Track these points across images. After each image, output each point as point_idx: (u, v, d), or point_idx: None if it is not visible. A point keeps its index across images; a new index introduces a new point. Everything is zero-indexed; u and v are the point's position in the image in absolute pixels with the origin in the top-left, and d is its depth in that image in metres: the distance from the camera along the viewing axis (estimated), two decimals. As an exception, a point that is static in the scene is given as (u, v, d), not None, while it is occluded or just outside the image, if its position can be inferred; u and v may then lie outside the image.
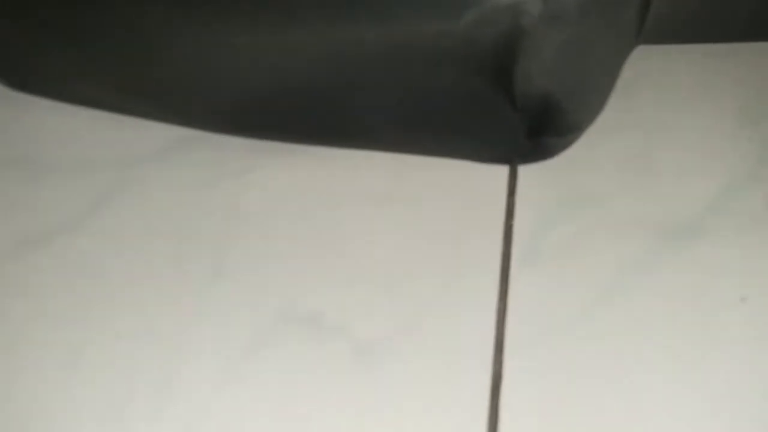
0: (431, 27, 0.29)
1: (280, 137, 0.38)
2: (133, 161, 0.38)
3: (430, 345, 0.33)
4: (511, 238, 0.35)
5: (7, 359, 0.33)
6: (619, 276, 0.34)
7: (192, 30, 0.30)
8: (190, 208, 0.37)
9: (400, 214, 0.36)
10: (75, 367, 0.33)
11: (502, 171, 0.38)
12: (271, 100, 0.35)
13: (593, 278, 0.34)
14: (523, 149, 0.36)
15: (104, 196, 0.37)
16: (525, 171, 0.38)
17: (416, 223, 0.36)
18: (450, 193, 0.37)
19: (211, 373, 0.32)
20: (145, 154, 0.39)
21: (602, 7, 0.28)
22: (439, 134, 0.36)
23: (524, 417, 0.31)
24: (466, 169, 0.37)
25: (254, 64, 0.32)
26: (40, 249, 0.36)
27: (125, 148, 0.39)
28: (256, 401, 0.32)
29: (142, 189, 0.37)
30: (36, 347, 0.33)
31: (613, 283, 0.34)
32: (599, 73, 0.33)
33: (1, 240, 0.36)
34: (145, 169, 0.38)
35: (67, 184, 0.38)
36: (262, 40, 0.30)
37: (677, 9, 0.34)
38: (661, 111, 0.39)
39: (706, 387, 0.31)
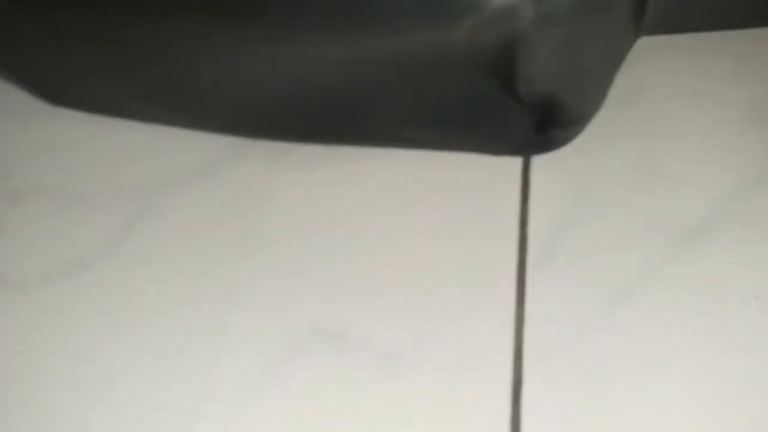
0: (431, 34, 0.30)
1: (299, 138, 0.40)
2: (159, 186, 0.40)
3: (451, 354, 0.34)
4: (526, 245, 0.36)
5: (43, 380, 0.34)
6: (633, 278, 0.35)
7: (211, 43, 0.32)
8: (214, 228, 0.38)
9: (416, 222, 0.37)
10: (109, 388, 0.34)
11: (514, 179, 0.39)
12: (287, 104, 0.37)
13: (608, 281, 0.35)
14: (532, 141, 0.38)
15: (132, 221, 0.39)
16: (537, 179, 0.38)
17: (432, 232, 0.37)
18: (464, 201, 0.38)
19: (239, 388, 0.34)
20: (170, 179, 0.40)
21: (594, 6, 0.29)
22: (450, 129, 0.37)
23: (546, 422, 0.32)
24: (480, 178, 0.38)
25: (266, 72, 0.34)
26: (71, 276, 0.37)
27: (151, 173, 0.40)
28: (283, 416, 0.33)
29: (169, 213, 0.39)
30: (70, 370, 0.34)
31: (627, 285, 0.35)
32: (599, 66, 0.34)
33: (33, 268, 0.38)
34: (171, 194, 0.39)
35: (97, 210, 0.39)
36: (271, 51, 0.32)
37: (674, 1, 0.34)
38: (666, 114, 0.40)
39: (725, 384, 0.32)
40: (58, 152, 0.41)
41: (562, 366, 0.33)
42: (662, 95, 0.41)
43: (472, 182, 0.38)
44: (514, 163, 0.39)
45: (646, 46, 0.41)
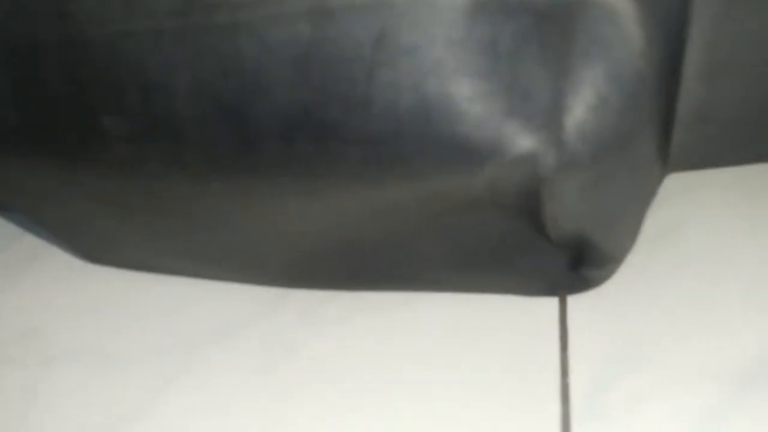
0: (456, 181, 0.30)
1: (334, 286, 0.39)
2: (192, 344, 0.39)
3: None
4: (569, 398, 0.34)
5: None
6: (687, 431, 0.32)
7: (249, 203, 0.33)
8: (248, 388, 0.37)
9: (451, 375, 0.36)
10: None
11: (552, 325, 0.37)
12: (320, 254, 0.37)
13: (662, 436, 0.32)
14: (567, 281, 0.37)
15: (166, 383, 0.38)
16: (576, 322, 0.37)
17: (469, 386, 0.35)
18: (501, 351, 0.36)
19: None
20: (202, 337, 0.40)
21: (615, 151, 0.29)
22: (484, 271, 0.37)
23: None
24: (517, 324, 0.37)
25: (299, 224, 0.34)
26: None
27: (184, 331, 0.40)
28: None
29: (202, 372, 0.38)
30: None
31: (684, 440, 0.32)
32: (626, 205, 0.34)
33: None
34: (204, 352, 0.39)
35: (129, 373, 0.39)
36: (303, 204, 0.33)
37: (698, 136, 0.34)
38: (706, 252, 0.39)
39: None
40: (93, 312, 0.42)
41: None
42: (700, 233, 0.40)
43: (508, 329, 0.37)
44: (551, 307, 0.38)
45: (678, 182, 0.40)
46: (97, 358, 0.40)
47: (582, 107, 0.28)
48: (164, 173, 0.32)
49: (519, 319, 0.37)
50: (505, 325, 0.37)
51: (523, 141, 0.29)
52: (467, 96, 0.28)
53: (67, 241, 0.43)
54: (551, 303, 0.38)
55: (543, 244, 0.34)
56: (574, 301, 0.38)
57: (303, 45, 0.28)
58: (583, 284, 0.37)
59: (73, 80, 0.31)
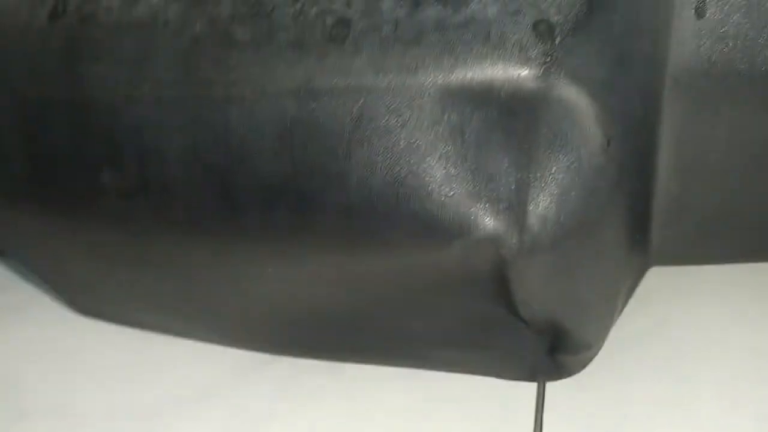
0: (428, 257, 0.32)
1: (313, 355, 0.40)
2: (164, 407, 0.39)
3: None
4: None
5: None
6: None
7: (231, 265, 0.35)
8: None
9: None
10: None
11: (528, 411, 0.37)
12: (298, 322, 0.38)
13: None
14: (544, 367, 0.37)
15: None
16: (552, 411, 0.37)
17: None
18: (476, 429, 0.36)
19: None
20: (175, 399, 0.40)
21: (576, 238, 0.31)
22: (465, 352, 0.37)
23: None
24: (492, 409, 0.37)
25: (277, 291, 0.35)
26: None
27: (159, 392, 0.40)
28: None
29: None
30: None
31: None
32: (595, 293, 0.35)
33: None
34: (174, 415, 0.39)
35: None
36: (288, 271, 0.34)
37: (676, 232, 0.35)
38: (693, 347, 0.39)
39: None
40: (73, 365, 0.42)
41: None
42: (686, 330, 0.40)
43: (484, 413, 0.37)
44: (529, 394, 0.38)
45: (670, 278, 0.41)
46: (67, 417, 0.39)
47: (544, 195, 0.30)
48: (153, 229, 0.34)
49: (496, 403, 0.37)
50: (481, 409, 0.37)
51: (487, 223, 0.30)
52: (436, 177, 0.30)
53: (57, 289, 0.44)
54: (530, 390, 0.38)
55: (521, 328, 0.35)
56: (552, 389, 0.38)
57: (288, 121, 0.30)
58: (559, 371, 0.37)
59: (77, 137, 0.33)
